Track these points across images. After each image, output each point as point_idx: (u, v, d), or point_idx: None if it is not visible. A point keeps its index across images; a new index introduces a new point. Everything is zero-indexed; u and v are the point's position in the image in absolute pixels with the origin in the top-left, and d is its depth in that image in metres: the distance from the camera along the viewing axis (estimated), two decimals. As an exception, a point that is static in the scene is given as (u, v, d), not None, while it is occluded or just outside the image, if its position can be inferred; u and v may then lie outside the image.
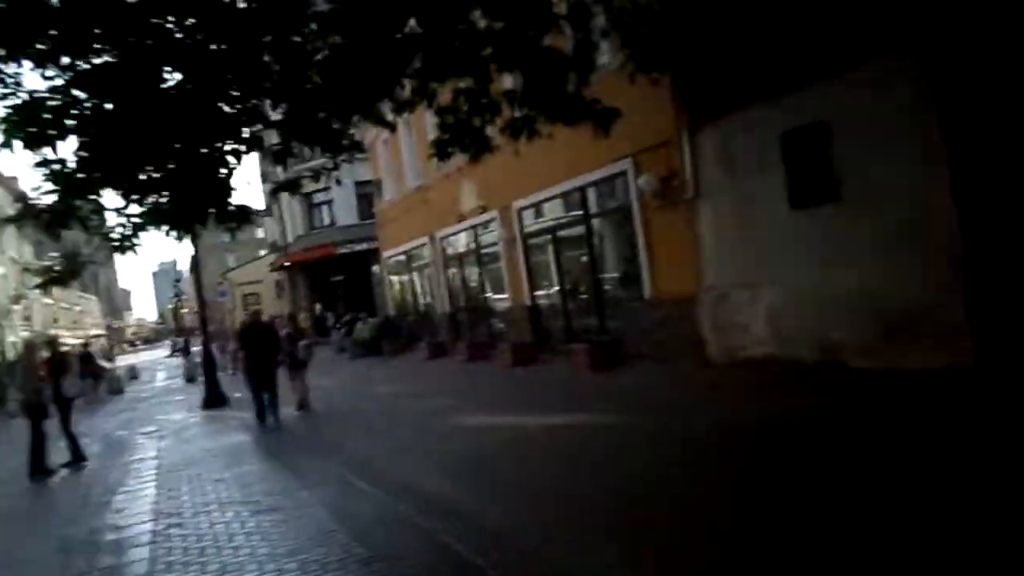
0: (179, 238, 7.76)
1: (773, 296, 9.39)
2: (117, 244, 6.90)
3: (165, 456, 10.72)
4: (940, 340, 7.49)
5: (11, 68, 6.11)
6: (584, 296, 14.06)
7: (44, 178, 6.27)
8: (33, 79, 12.27)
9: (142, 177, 6.92)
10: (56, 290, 35.04)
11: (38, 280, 14.07)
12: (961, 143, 7.25)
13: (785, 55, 8.74)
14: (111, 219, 7.15)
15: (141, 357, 59.50)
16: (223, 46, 6.53)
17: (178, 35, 6.41)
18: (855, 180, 8.21)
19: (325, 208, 33.66)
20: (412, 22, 7.16)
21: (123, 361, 45.76)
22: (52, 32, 5.89)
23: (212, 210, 7.21)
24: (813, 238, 8.77)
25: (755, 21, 8.93)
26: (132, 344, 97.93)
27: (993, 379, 6.84)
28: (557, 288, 14.85)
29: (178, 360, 36.83)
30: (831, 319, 8.64)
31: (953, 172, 7.27)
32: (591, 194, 13.21)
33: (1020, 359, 6.84)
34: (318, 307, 34.60)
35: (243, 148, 7.28)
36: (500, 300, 17.48)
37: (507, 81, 9.65)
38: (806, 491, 5.07)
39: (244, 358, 12.51)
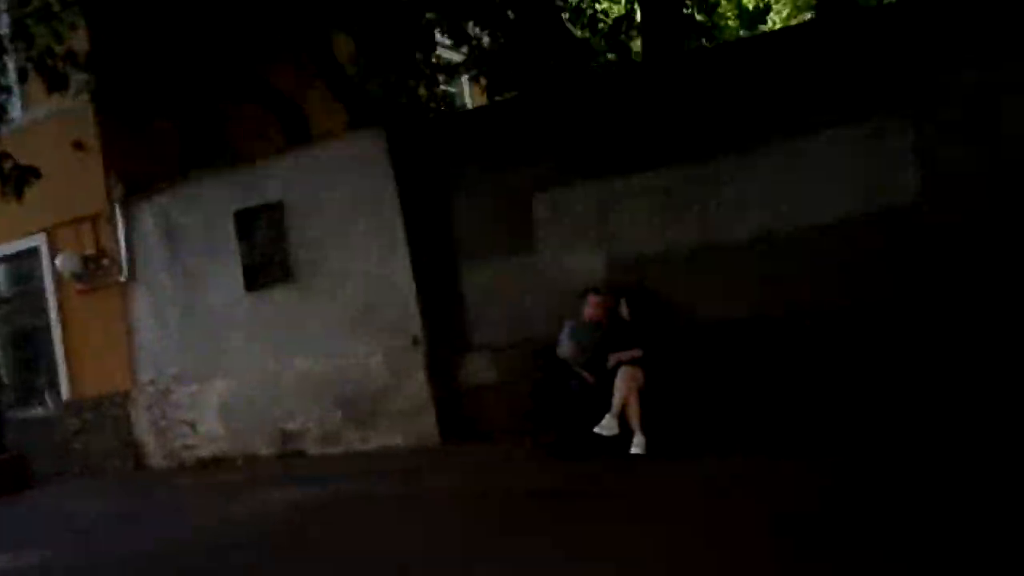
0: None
1: (226, 388, 8.68)
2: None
3: None
4: (404, 419, 7.80)
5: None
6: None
7: None
8: None
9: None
10: None
11: None
12: (419, 223, 7.82)
13: (234, 129, 8.48)
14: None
15: None
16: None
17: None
18: (312, 262, 8.19)
19: None
20: None
21: None
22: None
23: None
24: (269, 323, 8.42)
25: (201, 86, 8.48)
26: None
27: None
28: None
29: None
30: (289, 408, 8.35)
31: (412, 252, 7.76)
32: None
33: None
34: None
35: None
36: None
37: None
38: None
39: None
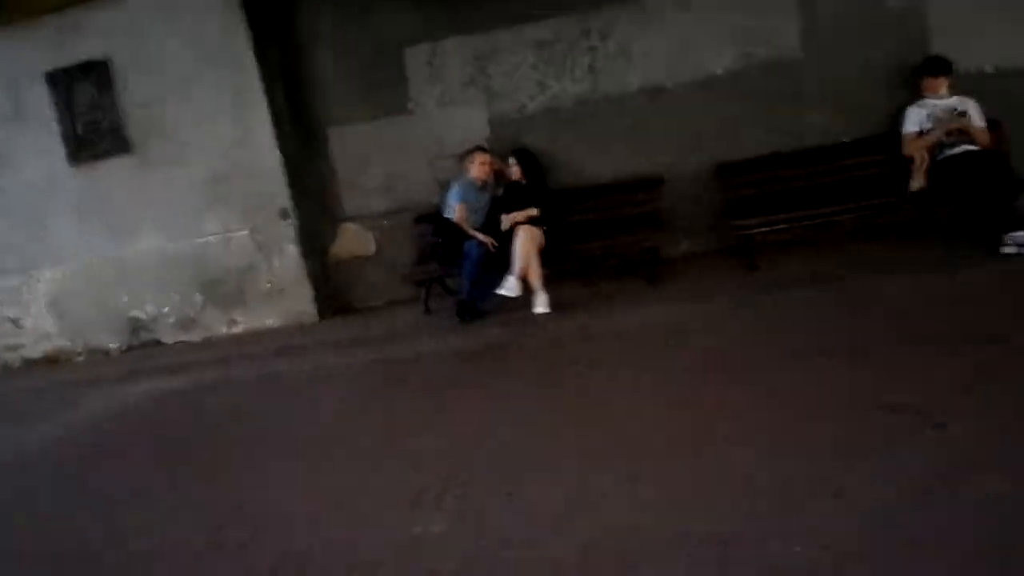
0: None
1: (55, 277, 7.57)
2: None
3: None
4: (275, 298, 7.24)
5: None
6: None
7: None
8: None
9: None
10: None
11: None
12: (278, 80, 7.05)
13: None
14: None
15: None
16: None
17: None
18: (151, 128, 7.13)
19: None
20: None
21: None
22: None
23: None
24: (102, 201, 7.35)
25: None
26: None
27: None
28: None
29: None
30: (137, 294, 7.47)
31: (273, 113, 6.99)
32: None
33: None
34: None
35: None
36: None
37: None
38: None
39: None
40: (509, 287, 5.95)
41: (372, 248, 7.39)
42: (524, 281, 5.95)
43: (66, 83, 7.18)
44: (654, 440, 3.15)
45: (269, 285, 7.20)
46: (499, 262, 6.06)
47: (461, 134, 7.06)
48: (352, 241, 7.41)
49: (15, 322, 7.78)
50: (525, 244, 5.95)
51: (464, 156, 6.68)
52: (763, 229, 5.96)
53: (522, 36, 6.89)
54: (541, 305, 5.93)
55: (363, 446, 3.80)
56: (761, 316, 4.82)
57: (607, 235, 6.40)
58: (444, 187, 6.87)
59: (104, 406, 5.71)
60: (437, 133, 7.12)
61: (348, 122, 7.24)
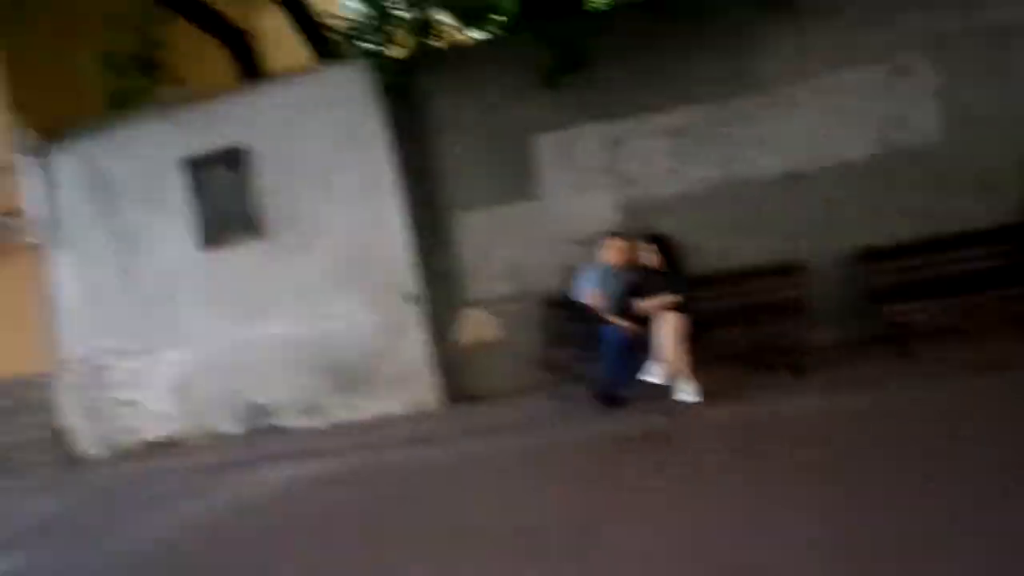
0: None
1: (178, 360, 7.70)
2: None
3: None
4: (399, 384, 7.20)
5: None
6: None
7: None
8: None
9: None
10: None
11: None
12: (408, 167, 7.21)
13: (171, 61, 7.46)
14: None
15: None
16: None
17: None
18: (282, 213, 7.36)
19: None
20: None
21: None
22: None
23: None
24: (230, 284, 7.53)
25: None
26: None
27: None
28: None
29: None
30: (259, 379, 7.52)
31: (404, 199, 7.17)
32: None
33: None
34: None
35: None
36: None
37: None
38: None
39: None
40: (655, 373, 5.82)
41: (497, 334, 7.35)
42: (668, 368, 5.83)
43: (203, 169, 7.43)
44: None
45: (394, 371, 7.17)
46: (638, 348, 5.96)
47: (590, 220, 7.06)
48: (476, 327, 7.38)
49: (136, 405, 7.83)
50: (672, 330, 5.83)
51: (597, 241, 6.67)
52: (918, 315, 5.79)
53: (654, 124, 6.97)
54: (688, 393, 5.76)
55: (552, 539, 3.63)
56: (931, 407, 4.60)
57: (747, 322, 6.26)
58: (572, 273, 6.84)
59: (238, 493, 5.64)
60: (565, 219, 7.14)
61: (475, 208, 7.31)
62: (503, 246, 7.29)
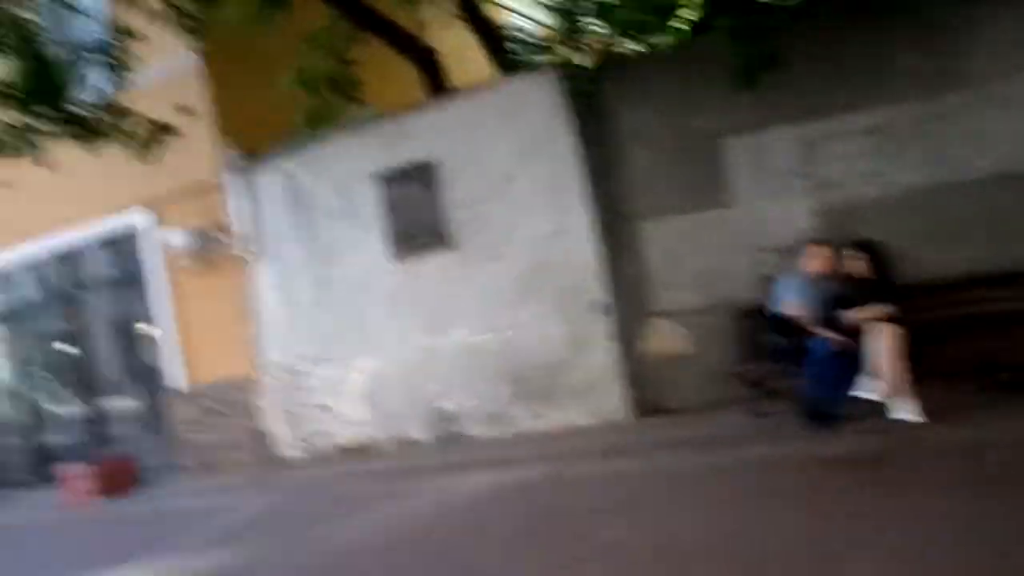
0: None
1: (370, 367, 8.02)
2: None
3: None
4: (585, 394, 7.15)
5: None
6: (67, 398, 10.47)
7: None
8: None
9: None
10: None
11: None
12: (594, 175, 7.17)
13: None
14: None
15: None
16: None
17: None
18: (470, 224, 7.49)
19: None
20: None
21: None
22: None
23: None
24: (419, 293, 7.75)
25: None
26: None
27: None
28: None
29: None
30: (446, 386, 7.68)
31: (591, 207, 7.12)
32: (81, 257, 9.92)
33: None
34: None
35: None
36: None
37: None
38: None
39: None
40: (870, 389, 5.47)
41: (686, 346, 7.16)
42: (884, 384, 5.45)
43: (393, 183, 7.71)
44: None
45: (580, 381, 7.13)
46: (848, 363, 5.61)
47: (785, 227, 6.75)
48: (664, 338, 7.21)
49: (330, 410, 8.22)
50: (888, 344, 5.45)
51: (796, 249, 6.36)
52: None
53: (852, 123, 6.57)
54: (908, 412, 5.36)
55: (780, 566, 3.43)
56: None
57: (968, 336, 5.77)
58: (767, 283, 6.57)
59: (434, 498, 5.77)
60: (759, 226, 6.86)
61: (662, 215, 7.16)
62: (692, 255, 7.08)
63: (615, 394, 7.03)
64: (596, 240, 7.04)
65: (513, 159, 7.27)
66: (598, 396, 7.09)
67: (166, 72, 8.26)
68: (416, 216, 7.64)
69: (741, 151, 6.90)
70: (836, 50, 6.52)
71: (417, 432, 7.83)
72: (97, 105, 6.87)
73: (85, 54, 6.68)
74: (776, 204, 6.82)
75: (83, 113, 6.80)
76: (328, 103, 7.98)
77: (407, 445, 7.88)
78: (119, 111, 6.84)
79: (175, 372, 9.10)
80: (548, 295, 7.20)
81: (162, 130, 6.88)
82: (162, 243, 8.80)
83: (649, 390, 7.19)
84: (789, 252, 6.53)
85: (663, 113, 7.11)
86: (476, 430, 7.58)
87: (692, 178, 7.05)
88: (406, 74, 8.60)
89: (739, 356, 6.76)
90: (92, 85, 6.89)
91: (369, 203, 7.85)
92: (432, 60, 8.30)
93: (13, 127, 6.59)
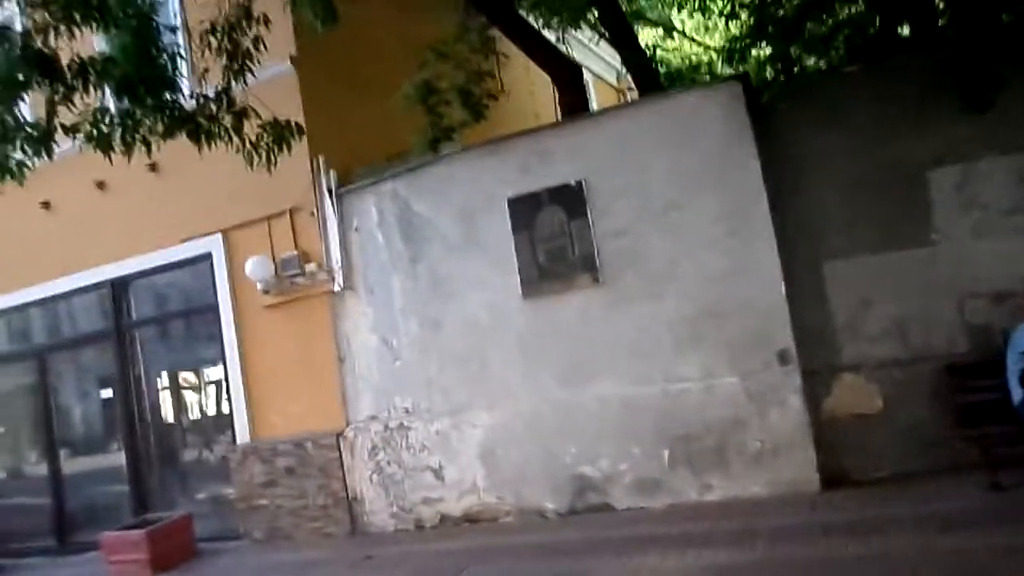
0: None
1: (491, 422, 6.94)
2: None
3: None
4: (766, 460, 6.12)
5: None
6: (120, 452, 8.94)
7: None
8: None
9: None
10: None
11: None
12: (777, 206, 6.31)
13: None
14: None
15: None
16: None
17: None
18: (624, 257, 6.53)
19: None
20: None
21: None
22: None
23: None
24: (555, 338, 6.73)
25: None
26: None
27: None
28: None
29: None
30: (588, 447, 6.62)
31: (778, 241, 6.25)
32: (138, 289, 8.80)
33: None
34: None
35: None
36: None
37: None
38: None
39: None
40: None
41: (878, 404, 6.24)
42: None
43: (530, 209, 6.77)
44: None
45: (759, 444, 6.16)
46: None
47: (1002, 268, 5.95)
48: (852, 395, 6.30)
49: (437, 472, 7.10)
50: None
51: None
52: None
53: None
54: None
55: None
56: None
57: None
58: (982, 333, 5.81)
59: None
60: (969, 268, 6.04)
61: (849, 255, 6.32)
62: (886, 300, 6.22)
63: (804, 460, 6.04)
64: (782, 280, 6.15)
65: (679, 184, 6.39)
66: (782, 462, 6.08)
67: (257, 81, 7.32)
68: (555, 247, 6.69)
69: (946, 183, 6.14)
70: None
71: (547, 500, 6.73)
72: (212, 99, 5.93)
73: (200, 40, 5.77)
74: (987, 243, 6.03)
75: (194, 107, 5.86)
76: (450, 120, 7.12)
77: (533, 516, 6.76)
78: (238, 108, 5.90)
79: (245, 422, 7.94)
80: (721, 342, 6.24)
81: (291, 130, 5.93)
82: (244, 273, 7.68)
83: (834, 456, 6.23)
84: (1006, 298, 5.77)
85: (852, 139, 6.33)
86: (623, 500, 6.50)
87: (887, 213, 6.25)
88: (537, 92, 7.81)
89: (945, 417, 5.91)
90: (205, 80, 5.96)
91: (497, 232, 6.88)
92: (578, 77, 7.53)
93: (109, 115, 5.61)
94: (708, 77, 7.51)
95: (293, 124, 6.06)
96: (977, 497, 5.32)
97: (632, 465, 6.48)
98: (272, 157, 6.04)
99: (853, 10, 6.54)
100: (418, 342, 7.26)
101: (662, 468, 6.39)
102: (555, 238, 6.73)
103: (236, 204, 7.74)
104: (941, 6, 6.76)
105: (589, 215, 6.63)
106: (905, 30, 6.79)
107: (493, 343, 6.95)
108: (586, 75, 14.18)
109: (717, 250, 6.29)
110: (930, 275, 6.14)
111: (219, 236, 8.01)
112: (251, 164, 6.03)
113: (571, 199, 6.68)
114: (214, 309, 8.12)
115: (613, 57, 14.61)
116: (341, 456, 7.45)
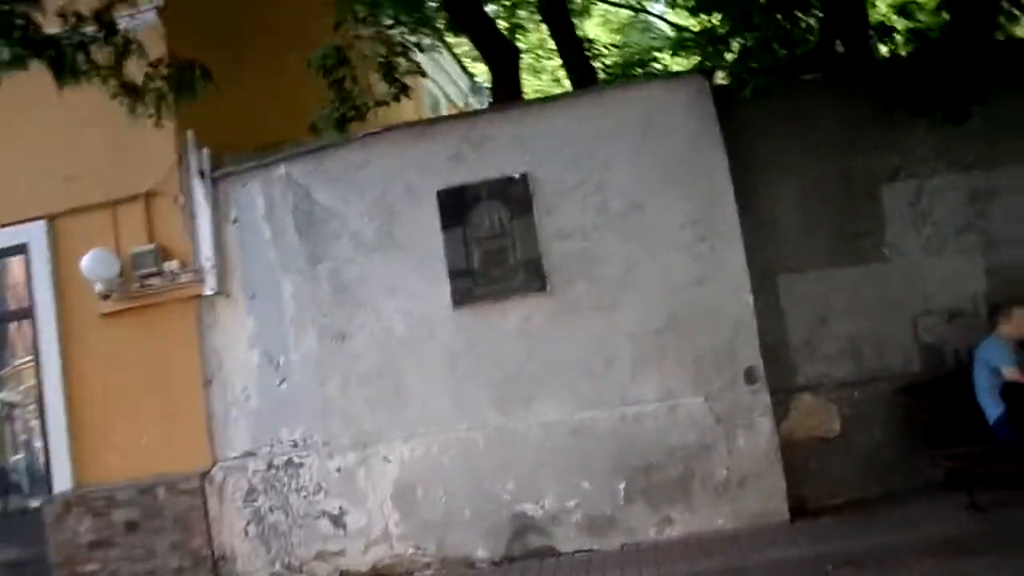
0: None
1: (409, 455, 5.82)
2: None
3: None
4: (732, 490, 5.58)
5: None
6: None
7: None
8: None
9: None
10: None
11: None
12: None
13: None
14: None
15: None
16: None
17: None
18: (575, 263, 5.80)
19: None
20: None
21: None
22: None
23: None
24: (492, 355, 5.84)
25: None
26: None
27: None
28: None
29: None
30: (530, 482, 5.74)
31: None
32: None
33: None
34: None
35: None
36: None
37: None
38: None
39: None
40: None
41: (835, 427, 5.95)
42: None
43: (464, 204, 5.87)
44: None
45: (726, 472, 5.60)
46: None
47: (952, 287, 5.93)
48: (810, 417, 5.96)
49: (336, 519, 5.85)
50: None
51: (996, 313, 5.55)
52: None
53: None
54: None
55: None
56: None
57: None
58: (929, 352, 5.77)
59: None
60: (922, 285, 5.96)
61: (804, 269, 6.05)
62: (841, 318, 6.00)
63: (773, 489, 5.55)
64: (750, 290, 5.71)
65: (639, 182, 5.79)
66: (749, 492, 5.57)
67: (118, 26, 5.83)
68: (494, 248, 5.83)
69: (902, 198, 6.06)
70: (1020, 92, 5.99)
71: (478, 547, 5.71)
72: (87, 18, 4.51)
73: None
74: (941, 261, 6.00)
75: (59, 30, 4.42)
76: (363, 97, 6.07)
77: (460, 567, 5.70)
78: (119, 39, 4.52)
79: (65, 463, 6.16)
80: (683, 359, 5.66)
81: (199, 73, 4.62)
82: (68, 271, 6.07)
83: (792, 483, 5.84)
84: (958, 316, 5.78)
85: (807, 148, 6.12)
86: (571, 543, 5.64)
87: (842, 227, 6.06)
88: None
89: (903, 439, 5.76)
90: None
91: (423, 229, 5.89)
92: (514, 62, 6.74)
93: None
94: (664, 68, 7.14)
95: (198, 66, 4.81)
96: (962, 521, 5.14)
97: (581, 501, 5.67)
98: (165, 107, 4.74)
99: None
100: (314, 359, 6.02)
101: (616, 503, 5.65)
102: (494, 238, 5.86)
103: (71, 183, 6.14)
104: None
105: (535, 213, 5.85)
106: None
107: (414, 360, 5.89)
108: (440, 100, 13.60)
109: (683, 258, 5.75)
110: (884, 292, 6.02)
111: (42, 223, 6.31)
112: (132, 111, 4.69)
113: (514, 194, 5.86)
114: (28, 315, 6.36)
115: (460, 78, 14.16)
116: (206, 504, 5.97)
